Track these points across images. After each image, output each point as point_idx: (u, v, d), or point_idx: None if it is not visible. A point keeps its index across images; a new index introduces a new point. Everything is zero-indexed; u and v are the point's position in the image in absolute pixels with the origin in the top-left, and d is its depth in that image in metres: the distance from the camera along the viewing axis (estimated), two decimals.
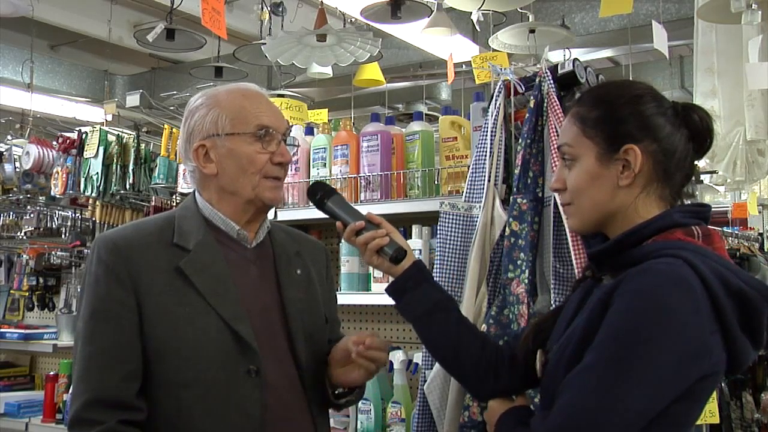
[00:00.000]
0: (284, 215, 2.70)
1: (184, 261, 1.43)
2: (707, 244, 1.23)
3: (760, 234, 5.24)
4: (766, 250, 4.73)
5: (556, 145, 1.88)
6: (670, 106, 1.31)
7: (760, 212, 6.71)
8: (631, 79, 1.39)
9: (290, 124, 1.59)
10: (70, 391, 1.53)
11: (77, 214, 4.14)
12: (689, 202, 1.35)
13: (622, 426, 1.12)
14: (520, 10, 4.14)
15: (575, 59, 2.03)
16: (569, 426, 1.14)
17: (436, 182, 2.49)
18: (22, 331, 3.74)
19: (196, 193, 1.55)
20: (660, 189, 1.29)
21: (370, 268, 2.58)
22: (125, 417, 1.34)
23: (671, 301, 1.12)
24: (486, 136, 2.03)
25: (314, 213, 2.70)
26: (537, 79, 2.00)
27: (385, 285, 2.47)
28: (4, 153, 4.26)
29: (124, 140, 3.62)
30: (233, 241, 1.51)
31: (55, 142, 3.88)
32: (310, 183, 1.73)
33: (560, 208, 1.83)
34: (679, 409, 1.16)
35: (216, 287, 1.43)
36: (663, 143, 1.27)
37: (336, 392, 1.57)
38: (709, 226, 1.30)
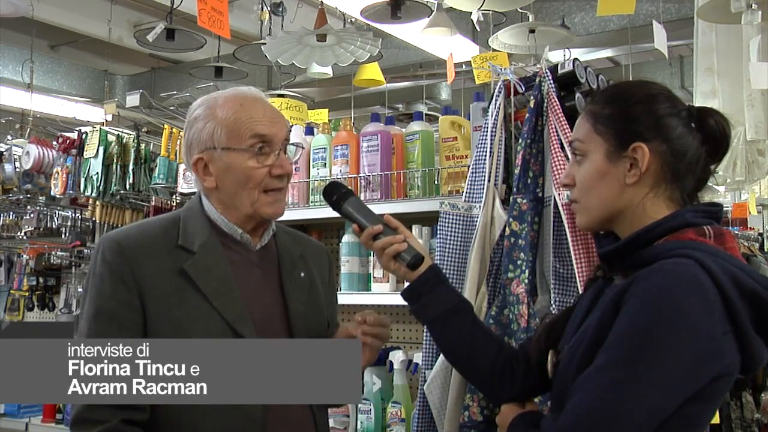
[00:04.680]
0: (284, 215, 2.69)
1: (189, 263, 1.43)
2: (719, 244, 1.22)
3: (760, 234, 5.25)
4: (766, 250, 4.74)
5: (558, 145, 1.88)
6: (685, 108, 1.30)
7: (759, 212, 6.72)
8: (644, 79, 1.38)
9: (290, 126, 1.57)
10: None
11: (77, 214, 4.14)
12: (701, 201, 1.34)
13: (634, 427, 1.11)
14: (520, 10, 4.14)
15: (575, 59, 2.03)
16: (580, 427, 1.14)
17: (436, 182, 2.49)
18: None
19: (202, 194, 1.55)
20: (669, 191, 1.28)
21: (370, 268, 2.58)
22: (127, 416, 1.35)
23: (683, 301, 1.12)
24: (486, 136, 2.03)
25: (314, 213, 2.71)
26: (537, 79, 2.00)
27: (386, 285, 2.51)
28: (4, 153, 4.26)
29: (124, 140, 3.62)
30: (237, 243, 1.51)
31: (55, 142, 3.88)
32: (326, 183, 1.71)
33: (560, 208, 1.83)
34: (691, 410, 1.16)
35: (219, 289, 1.43)
36: (673, 144, 1.26)
37: None
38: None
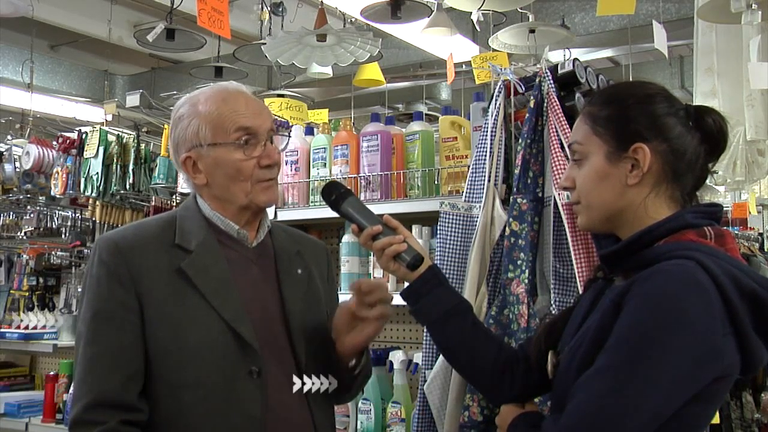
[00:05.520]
0: (284, 215, 2.70)
1: (186, 262, 1.43)
2: (720, 245, 1.22)
3: (760, 234, 5.25)
4: (766, 250, 4.74)
5: (558, 145, 1.88)
6: (683, 107, 1.30)
7: (759, 212, 6.72)
8: (641, 79, 1.39)
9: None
10: (71, 392, 1.54)
11: (77, 214, 4.14)
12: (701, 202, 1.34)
13: (635, 428, 1.12)
14: (520, 10, 4.14)
15: (575, 59, 2.03)
16: (581, 427, 1.14)
17: (436, 182, 2.49)
18: (22, 331, 3.74)
19: (196, 193, 1.55)
20: (670, 190, 1.28)
21: (370, 268, 2.58)
22: (127, 417, 1.35)
23: (684, 302, 1.12)
24: (486, 136, 2.03)
25: (314, 213, 2.71)
26: (537, 79, 2.00)
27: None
28: (4, 153, 4.26)
29: (124, 140, 3.62)
30: (234, 240, 1.51)
31: (55, 142, 3.88)
32: (325, 182, 1.71)
33: (560, 208, 1.83)
34: (692, 411, 1.16)
35: (217, 288, 1.43)
36: (673, 143, 1.27)
37: (350, 365, 1.56)
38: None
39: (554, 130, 1.90)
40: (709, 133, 1.29)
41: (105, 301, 1.40)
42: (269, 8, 4.62)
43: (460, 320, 1.49)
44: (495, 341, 1.53)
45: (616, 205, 1.29)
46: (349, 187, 1.59)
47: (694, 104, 1.33)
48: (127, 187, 3.55)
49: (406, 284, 1.54)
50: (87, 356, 1.38)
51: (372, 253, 2.53)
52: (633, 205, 1.28)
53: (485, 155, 2.02)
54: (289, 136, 1.85)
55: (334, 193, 1.56)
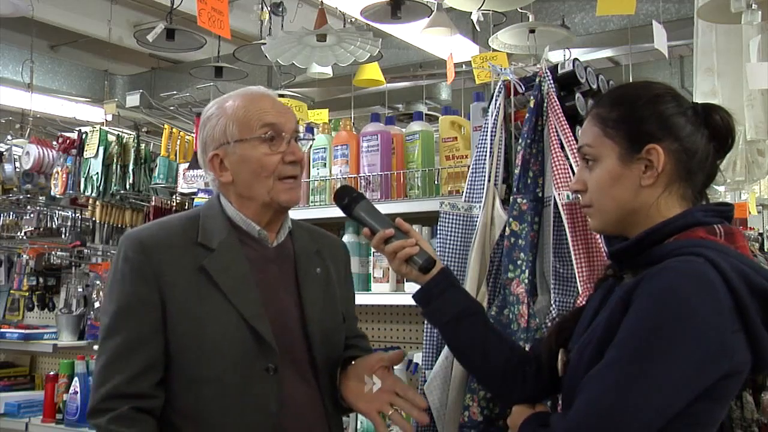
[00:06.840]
0: None
1: (208, 260, 1.47)
2: (730, 242, 1.22)
3: (760, 234, 5.25)
4: (766, 250, 4.74)
5: (558, 145, 1.88)
6: (690, 106, 1.31)
7: (759, 212, 6.72)
8: (647, 79, 1.39)
9: (299, 122, 1.61)
10: (92, 380, 1.59)
11: (77, 214, 4.14)
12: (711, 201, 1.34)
13: (642, 424, 1.12)
14: (520, 10, 4.13)
15: (575, 59, 2.03)
16: (588, 423, 1.14)
17: (436, 182, 2.49)
18: (22, 331, 3.74)
19: (220, 193, 1.59)
20: (682, 189, 1.29)
21: (370, 268, 2.58)
22: (139, 405, 1.39)
23: (692, 299, 1.12)
24: (486, 136, 2.03)
25: (314, 213, 2.71)
26: (537, 79, 2.00)
27: (386, 285, 2.51)
28: (4, 153, 4.26)
29: (124, 140, 3.62)
30: (255, 240, 1.55)
31: (55, 142, 3.88)
32: (338, 186, 1.73)
33: (560, 208, 1.83)
34: (700, 408, 1.16)
35: (238, 286, 1.47)
36: (684, 143, 1.27)
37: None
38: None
39: (554, 130, 1.90)
40: (718, 130, 1.30)
41: (128, 296, 1.44)
42: (269, 8, 4.62)
43: (473, 322, 1.50)
44: (506, 342, 1.53)
45: (630, 206, 1.29)
46: (361, 192, 1.60)
47: (701, 102, 1.33)
48: (127, 187, 3.55)
49: (410, 285, 1.54)
50: (107, 348, 1.43)
51: (372, 253, 2.55)
52: (646, 206, 1.29)
53: (485, 155, 2.02)
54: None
55: (346, 197, 1.57)
